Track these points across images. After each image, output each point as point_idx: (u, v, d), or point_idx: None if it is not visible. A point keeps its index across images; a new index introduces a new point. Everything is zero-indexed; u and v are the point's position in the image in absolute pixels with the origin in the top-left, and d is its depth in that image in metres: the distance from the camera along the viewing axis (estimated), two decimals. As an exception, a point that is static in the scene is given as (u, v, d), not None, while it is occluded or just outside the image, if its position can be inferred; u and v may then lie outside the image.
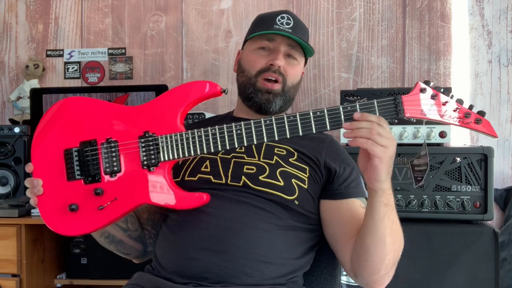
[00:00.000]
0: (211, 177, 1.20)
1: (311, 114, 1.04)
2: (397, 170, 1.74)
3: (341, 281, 1.31)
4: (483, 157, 1.69)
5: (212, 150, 1.08)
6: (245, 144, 1.06)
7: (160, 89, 2.17)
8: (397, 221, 1.08)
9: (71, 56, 2.43)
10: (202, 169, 1.21)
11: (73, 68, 2.43)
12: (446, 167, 1.71)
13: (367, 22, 2.25)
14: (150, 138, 1.10)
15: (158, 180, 1.09)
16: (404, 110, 1.03)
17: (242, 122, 1.07)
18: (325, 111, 1.04)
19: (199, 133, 1.09)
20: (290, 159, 1.22)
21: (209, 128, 1.08)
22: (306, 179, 1.19)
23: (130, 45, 2.40)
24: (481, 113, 1.02)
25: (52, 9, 2.44)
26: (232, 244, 1.11)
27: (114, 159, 1.10)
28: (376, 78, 2.25)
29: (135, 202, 1.09)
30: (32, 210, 1.89)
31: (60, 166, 1.12)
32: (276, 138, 1.05)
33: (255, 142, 1.06)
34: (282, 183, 1.17)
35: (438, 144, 1.79)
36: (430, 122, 1.78)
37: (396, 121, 1.77)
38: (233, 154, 1.22)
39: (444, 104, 1.02)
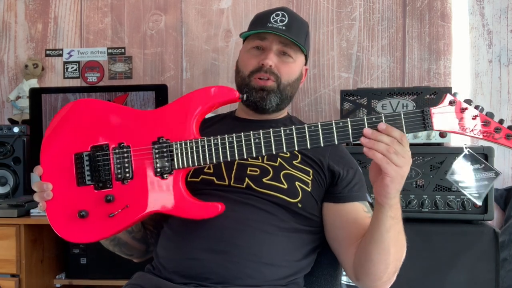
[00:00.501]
0: (214, 178, 1.19)
1: (333, 124, 1.01)
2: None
3: (342, 282, 1.31)
4: (484, 157, 1.69)
5: (229, 159, 1.05)
6: (263, 154, 1.04)
7: (159, 88, 2.17)
8: (402, 231, 1.08)
9: (70, 55, 2.42)
10: (205, 170, 1.20)
11: (72, 67, 2.42)
12: (446, 167, 1.70)
13: (367, 21, 2.25)
14: (164, 144, 1.07)
15: (172, 188, 1.06)
16: (433, 123, 0.98)
17: (261, 131, 1.05)
18: (348, 121, 1.01)
19: (215, 140, 1.06)
20: (294, 162, 1.21)
21: (226, 136, 1.06)
22: (309, 182, 1.19)
23: (130, 44, 2.39)
24: None
25: (52, 9, 2.44)
26: (234, 245, 1.11)
27: (126, 165, 1.08)
28: (376, 78, 2.24)
29: (147, 210, 1.06)
30: (32, 210, 1.89)
31: (70, 171, 1.09)
32: (296, 148, 1.02)
33: (273, 152, 1.03)
34: (285, 186, 1.17)
35: (438, 144, 1.79)
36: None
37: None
38: None
39: (474, 118, 0.98)
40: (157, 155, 1.07)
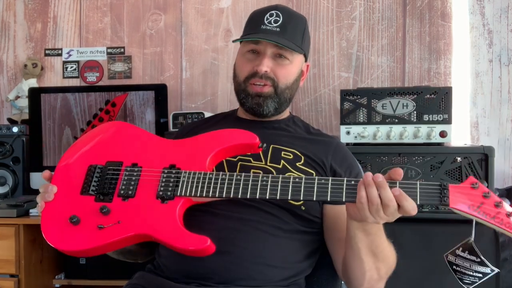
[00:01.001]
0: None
1: (344, 182, 0.98)
2: (397, 170, 1.73)
3: (342, 283, 1.31)
4: (484, 157, 1.68)
5: (231, 196, 1.03)
6: (267, 197, 1.02)
7: (159, 88, 2.16)
8: (381, 245, 1.06)
9: (70, 55, 2.41)
10: None
11: (71, 67, 2.41)
12: (446, 167, 1.70)
13: (367, 21, 2.25)
14: (174, 171, 1.08)
15: (167, 213, 1.04)
16: (450, 199, 0.92)
17: (270, 175, 1.03)
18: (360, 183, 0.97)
19: (223, 176, 1.05)
20: (297, 164, 1.20)
21: (235, 173, 1.05)
22: None
23: (129, 44, 2.39)
24: None
25: (51, 8, 2.43)
26: (237, 246, 1.10)
27: (133, 183, 1.08)
28: (376, 78, 2.24)
29: (135, 230, 1.03)
30: (31, 210, 1.89)
31: (79, 179, 1.10)
32: (301, 198, 1.00)
33: (277, 198, 1.01)
34: None
35: (439, 144, 1.78)
36: (430, 121, 1.78)
37: (396, 120, 1.79)
38: (239, 157, 1.20)
39: (496, 206, 0.90)
40: (164, 180, 1.07)
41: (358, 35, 2.25)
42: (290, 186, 1.01)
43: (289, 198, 1.01)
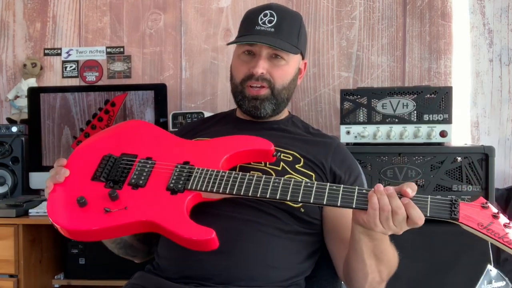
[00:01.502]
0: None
1: (356, 191, 0.99)
2: (397, 170, 1.72)
3: (342, 284, 1.30)
4: (484, 157, 1.68)
5: (242, 193, 1.04)
6: (277, 198, 1.02)
7: (158, 88, 2.16)
8: (385, 249, 1.06)
9: (69, 54, 2.41)
10: None
11: (71, 67, 2.41)
12: (447, 167, 1.70)
13: (367, 20, 2.24)
14: (187, 167, 1.09)
15: (175, 204, 1.05)
16: (460, 213, 0.93)
17: (283, 178, 1.04)
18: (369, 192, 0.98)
19: (236, 174, 1.06)
20: (297, 166, 1.20)
21: (247, 174, 1.06)
22: None
23: (129, 43, 2.38)
24: None
25: (50, 8, 2.43)
26: (238, 247, 1.10)
27: (145, 174, 1.10)
28: (376, 77, 2.23)
29: (141, 217, 1.04)
30: (30, 210, 1.88)
31: (92, 167, 1.13)
32: (311, 201, 1.00)
33: (287, 199, 1.02)
34: None
35: (439, 144, 1.78)
36: (431, 121, 1.77)
37: (396, 120, 1.78)
38: None
39: (505, 226, 0.91)
40: (176, 174, 1.08)
41: (358, 34, 2.25)
42: (301, 189, 1.01)
43: (299, 199, 1.01)
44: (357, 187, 0.99)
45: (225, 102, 2.31)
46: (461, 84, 2.16)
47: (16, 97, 2.35)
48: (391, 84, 2.21)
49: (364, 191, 0.98)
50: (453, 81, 2.18)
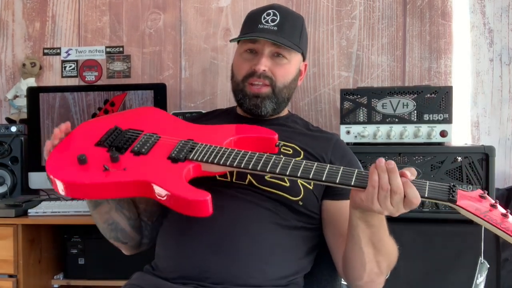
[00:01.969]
0: (216, 174, 1.18)
1: (356, 171, 0.99)
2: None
3: (342, 282, 1.30)
4: (484, 157, 1.68)
5: (242, 166, 1.04)
6: (277, 172, 1.02)
7: (158, 87, 2.15)
8: (383, 238, 1.06)
9: (68, 54, 2.40)
10: None
11: (70, 66, 2.41)
12: (447, 167, 1.69)
13: (367, 20, 2.24)
14: (191, 142, 1.11)
15: (174, 171, 1.05)
16: (458, 196, 0.93)
17: (284, 157, 1.04)
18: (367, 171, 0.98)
19: (238, 150, 1.07)
20: (297, 159, 1.20)
21: (249, 151, 1.06)
22: None
23: (128, 43, 2.38)
24: None
25: (49, 7, 2.42)
26: (235, 244, 1.10)
27: (148, 144, 1.12)
28: (377, 77, 2.23)
29: (138, 177, 1.05)
30: (29, 210, 1.88)
31: (98, 135, 1.16)
32: (310, 177, 1.01)
33: (287, 174, 1.02)
34: (288, 184, 1.16)
35: (439, 144, 1.78)
36: (431, 121, 1.77)
37: (396, 120, 1.78)
38: None
39: (503, 215, 0.91)
40: (179, 146, 1.10)
41: (358, 34, 2.24)
42: (302, 167, 1.02)
43: (298, 175, 1.01)
44: (356, 169, 1.00)
45: (225, 102, 2.31)
46: (461, 84, 2.16)
47: (15, 96, 2.35)
48: (391, 84, 2.21)
49: (363, 172, 0.99)
50: (453, 81, 2.18)
